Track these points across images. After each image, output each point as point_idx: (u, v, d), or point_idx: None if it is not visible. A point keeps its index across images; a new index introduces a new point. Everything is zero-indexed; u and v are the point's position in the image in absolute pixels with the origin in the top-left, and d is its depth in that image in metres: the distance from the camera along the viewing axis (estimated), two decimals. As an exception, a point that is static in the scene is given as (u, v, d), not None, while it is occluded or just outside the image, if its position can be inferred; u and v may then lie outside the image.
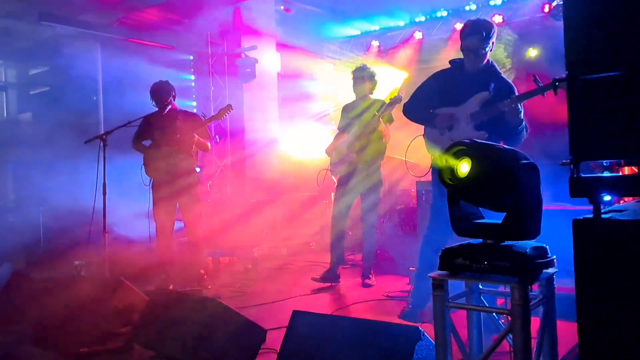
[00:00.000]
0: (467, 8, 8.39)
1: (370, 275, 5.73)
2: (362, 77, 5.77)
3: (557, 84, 3.21)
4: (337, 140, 5.94)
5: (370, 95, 5.81)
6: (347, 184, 5.74)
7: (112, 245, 5.25)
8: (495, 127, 3.83)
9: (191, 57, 9.29)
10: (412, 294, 4.47)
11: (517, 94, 3.86)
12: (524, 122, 3.79)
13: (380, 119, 5.45)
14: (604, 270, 1.80)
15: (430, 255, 3.83)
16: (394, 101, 5.36)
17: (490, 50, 3.98)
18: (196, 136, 5.58)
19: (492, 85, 3.89)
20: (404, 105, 4.33)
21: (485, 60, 3.99)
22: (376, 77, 5.83)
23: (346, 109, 6.01)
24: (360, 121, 5.66)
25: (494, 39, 3.96)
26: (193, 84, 9.28)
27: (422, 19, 9.02)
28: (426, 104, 4.16)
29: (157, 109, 5.72)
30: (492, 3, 8.09)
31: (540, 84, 3.52)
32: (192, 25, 8.68)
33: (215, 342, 3.30)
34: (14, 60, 9.01)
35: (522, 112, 3.76)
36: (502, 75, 4.06)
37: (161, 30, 8.65)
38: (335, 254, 5.79)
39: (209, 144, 5.91)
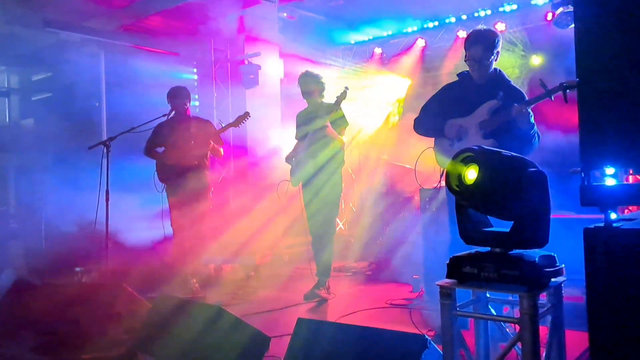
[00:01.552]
0: (470, 15, 8.40)
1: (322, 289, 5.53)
2: (307, 82, 5.67)
3: (565, 86, 3.24)
4: (296, 150, 5.81)
5: (321, 100, 5.67)
6: (311, 192, 5.64)
7: (114, 251, 5.22)
8: (505, 134, 3.76)
9: (194, 64, 9.29)
10: None
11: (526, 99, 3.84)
12: (535, 128, 3.74)
13: (328, 123, 5.39)
14: (615, 279, 1.79)
15: None
16: (339, 99, 5.34)
17: (496, 60, 3.94)
18: (212, 143, 5.60)
19: (501, 93, 3.84)
20: (414, 120, 4.27)
21: (492, 70, 3.95)
22: (322, 80, 5.70)
23: (299, 116, 5.90)
24: (311, 127, 5.55)
25: (498, 49, 3.93)
26: (197, 90, 9.28)
27: (425, 26, 9.03)
28: (435, 117, 4.11)
29: (166, 113, 5.73)
30: (494, 10, 8.11)
31: (547, 88, 3.50)
32: (196, 32, 8.69)
33: (218, 349, 3.27)
34: (17, 66, 9.00)
35: (532, 117, 3.71)
36: (512, 83, 4.02)
37: (165, 37, 8.66)
38: (319, 265, 5.70)
39: (222, 150, 5.91)
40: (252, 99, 8.51)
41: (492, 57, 3.89)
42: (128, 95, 7.62)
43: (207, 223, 5.85)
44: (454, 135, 3.94)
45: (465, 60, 3.98)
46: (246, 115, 5.65)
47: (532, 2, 7.68)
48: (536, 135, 3.79)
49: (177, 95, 5.72)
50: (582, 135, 1.86)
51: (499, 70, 4.03)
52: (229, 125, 5.72)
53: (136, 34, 8.37)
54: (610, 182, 2.16)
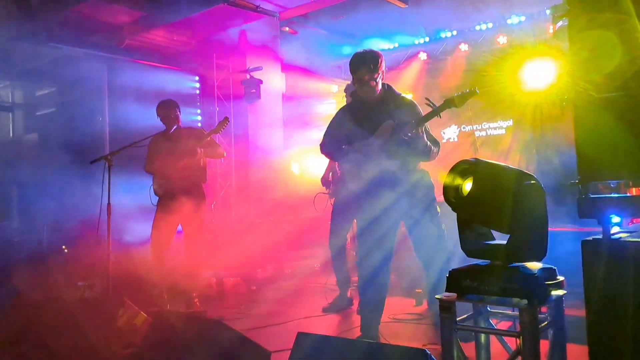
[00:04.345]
0: (471, 29, 8.44)
1: None
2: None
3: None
4: (332, 162, 5.79)
5: None
6: (341, 204, 5.57)
7: (117, 264, 5.21)
8: (406, 152, 3.89)
9: (197, 78, 9.34)
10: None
11: (420, 113, 3.99)
12: (428, 143, 3.88)
13: None
14: (613, 291, 1.78)
15: None
16: None
17: (383, 79, 4.04)
18: (200, 150, 5.57)
19: (395, 110, 3.98)
20: (320, 144, 4.33)
21: (381, 88, 4.05)
22: None
23: None
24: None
25: (383, 68, 4.02)
26: (198, 104, 9.32)
27: (427, 39, 9.06)
28: (339, 142, 4.18)
29: (164, 127, 5.76)
30: (497, 24, 8.13)
31: (434, 106, 3.73)
32: (198, 46, 8.74)
33: (219, 364, 3.25)
34: (21, 81, 9.06)
35: (425, 135, 3.86)
36: (403, 96, 4.15)
37: (167, 51, 8.72)
38: (340, 279, 5.69)
39: (223, 151, 5.93)
40: (254, 113, 8.54)
41: (378, 76, 3.98)
42: (131, 109, 7.66)
43: (201, 238, 5.81)
44: (360, 158, 4.01)
45: (353, 84, 4.13)
46: (225, 120, 5.63)
47: (535, 16, 7.70)
48: (431, 148, 3.92)
49: (164, 108, 5.75)
50: (579, 147, 1.86)
51: (389, 86, 4.14)
52: (211, 132, 5.69)
53: (139, 48, 8.42)
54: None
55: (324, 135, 4.31)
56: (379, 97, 4.06)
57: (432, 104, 3.73)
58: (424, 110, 3.96)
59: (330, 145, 4.25)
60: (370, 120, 4.03)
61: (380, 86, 4.03)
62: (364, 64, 3.95)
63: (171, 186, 5.60)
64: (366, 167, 3.96)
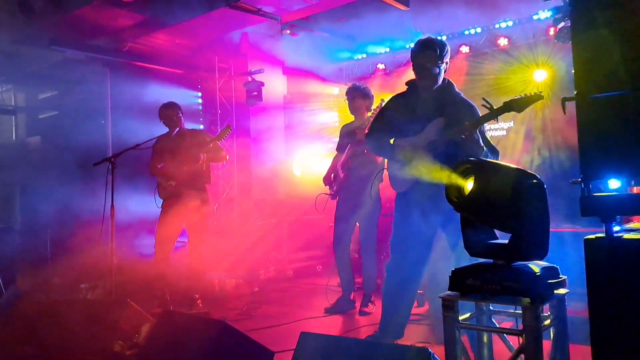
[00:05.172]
0: (472, 31, 8.45)
1: (369, 304, 5.50)
2: (354, 97, 5.60)
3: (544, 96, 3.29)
4: (335, 162, 5.79)
5: (367, 114, 5.50)
6: (344, 206, 5.61)
7: (120, 266, 5.23)
8: (455, 154, 3.48)
9: (198, 81, 9.36)
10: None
11: (478, 115, 3.64)
12: (485, 149, 3.53)
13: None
14: (616, 289, 1.79)
15: None
16: (374, 112, 5.31)
17: (445, 71, 3.78)
18: (203, 156, 5.59)
19: (449, 108, 3.69)
20: (366, 136, 4.05)
21: (441, 81, 3.78)
22: (371, 94, 5.62)
23: (343, 129, 5.87)
24: (353, 140, 5.49)
25: (447, 59, 3.77)
26: (200, 107, 9.34)
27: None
28: (387, 133, 3.91)
29: (167, 129, 5.79)
30: (496, 26, 8.14)
31: (492, 108, 3.41)
32: (200, 49, 8.76)
33: (223, 364, 3.26)
34: (23, 85, 9.10)
35: (481, 139, 3.53)
36: (463, 96, 3.84)
37: (169, 54, 8.73)
38: (344, 280, 5.69)
39: (225, 154, 5.98)
40: (255, 115, 8.56)
41: (442, 66, 3.73)
42: (133, 113, 7.68)
43: (204, 239, 5.83)
44: (407, 157, 3.74)
45: (413, 70, 3.82)
46: (227, 128, 5.66)
47: (534, 17, 7.71)
48: (487, 155, 3.56)
49: (166, 110, 5.79)
50: (582, 146, 1.87)
51: (449, 82, 3.86)
52: (212, 139, 5.72)
53: (141, 52, 8.44)
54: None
55: (371, 126, 4.02)
56: (435, 93, 3.78)
57: (490, 105, 3.42)
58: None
59: (378, 139, 3.94)
60: (420, 115, 3.75)
61: (441, 78, 3.76)
62: (428, 49, 3.69)
63: (175, 188, 5.62)
64: (412, 166, 3.63)
